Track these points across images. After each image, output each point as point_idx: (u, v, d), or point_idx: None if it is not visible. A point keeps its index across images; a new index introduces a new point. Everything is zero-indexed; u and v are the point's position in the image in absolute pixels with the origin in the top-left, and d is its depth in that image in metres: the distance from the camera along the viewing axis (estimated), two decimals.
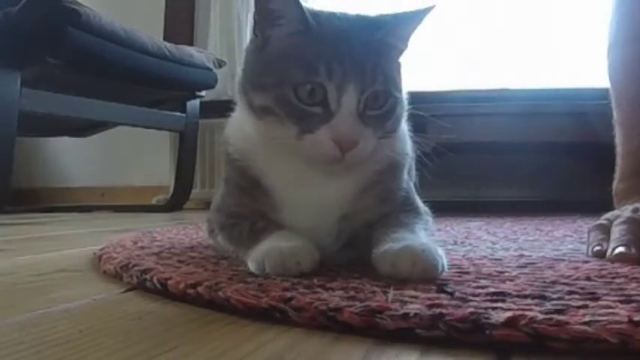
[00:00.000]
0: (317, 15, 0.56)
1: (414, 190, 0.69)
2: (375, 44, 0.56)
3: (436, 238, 0.80)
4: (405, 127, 0.63)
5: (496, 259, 0.64)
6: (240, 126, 0.61)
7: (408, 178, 0.67)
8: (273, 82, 0.54)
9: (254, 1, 0.57)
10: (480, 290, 0.45)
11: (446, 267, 0.51)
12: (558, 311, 0.37)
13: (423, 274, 0.48)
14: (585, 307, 0.39)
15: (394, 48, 0.59)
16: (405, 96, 0.60)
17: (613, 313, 0.36)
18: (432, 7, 0.58)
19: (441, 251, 0.52)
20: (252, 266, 0.54)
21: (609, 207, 0.82)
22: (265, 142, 0.58)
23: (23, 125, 1.70)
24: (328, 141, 0.53)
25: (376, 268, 0.52)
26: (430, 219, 0.68)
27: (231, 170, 0.64)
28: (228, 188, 0.67)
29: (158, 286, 0.52)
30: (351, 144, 0.53)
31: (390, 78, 0.56)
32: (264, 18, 0.56)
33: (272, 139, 0.57)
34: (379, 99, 0.55)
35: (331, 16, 0.58)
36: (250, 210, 0.62)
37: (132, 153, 2.76)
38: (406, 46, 0.60)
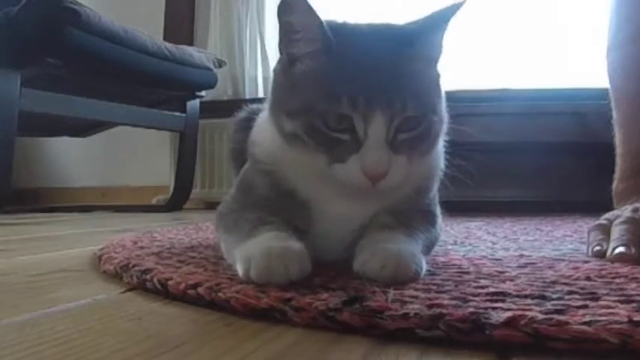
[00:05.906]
0: (340, 30, 0.53)
1: (436, 197, 0.66)
2: (405, 63, 0.52)
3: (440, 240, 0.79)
4: (441, 144, 0.60)
5: (496, 259, 0.64)
6: (270, 141, 0.58)
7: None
8: (300, 108, 0.52)
9: (277, 15, 0.53)
10: (480, 290, 0.45)
11: (421, 273, 0.51)
12: (558, 311, 0.37)
13: (391, 277, 0.48)
14: (585, 307, 0.39)
15: (428, 60, 0.55)
16: (444, 109, 0.56)
17: (613, 313, 0.36)
18: (462, 2, 0.53)
19: (420, 258, 0.51)
20: (240, 270, 0.50)
21: (609, 207, 0.82)
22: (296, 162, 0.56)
23: (23, 125, 1.70)
24: (358, 172, 0.50)
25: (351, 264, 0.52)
26: (440, 230, 0.66)
27: (258, 178, 0.60)
28: (246, 197, 0.62)
29: (158, 286, 0.52)
30: (380, 176, 0.51)
31: (423, 100, 0.52)
32: (285, 34, 0.53)
33: (302, 164, 0.55)
34: (412, 122, 0.51)
35: (356, 31, 0.54)
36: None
37: (132, 153, 2.76)
38: (441, 50, 0.56)
